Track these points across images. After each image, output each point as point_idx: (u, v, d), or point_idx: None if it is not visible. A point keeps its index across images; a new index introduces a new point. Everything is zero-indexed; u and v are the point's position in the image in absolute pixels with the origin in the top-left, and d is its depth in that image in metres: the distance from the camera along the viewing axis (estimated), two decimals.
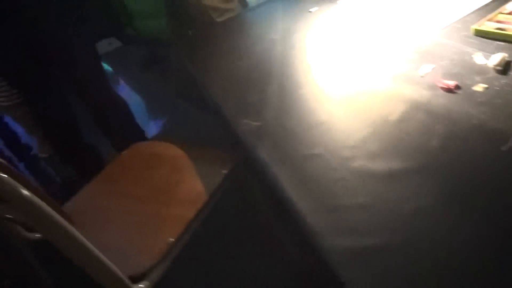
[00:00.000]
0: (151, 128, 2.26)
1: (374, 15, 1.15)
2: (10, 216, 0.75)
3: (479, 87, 0.74)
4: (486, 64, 0.79)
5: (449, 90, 0.75)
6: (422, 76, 0.82)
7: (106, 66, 2.30)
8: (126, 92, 2.59)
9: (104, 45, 2.54)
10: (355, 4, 1.26)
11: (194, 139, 1.72)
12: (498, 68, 0.77)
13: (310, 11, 1.33)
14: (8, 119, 2.51)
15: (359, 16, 1.18)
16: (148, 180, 1.00)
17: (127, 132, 1.72)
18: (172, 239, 0.79)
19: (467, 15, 0.98)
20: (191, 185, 0.92)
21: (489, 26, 0.88)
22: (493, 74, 0.77)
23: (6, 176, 0.58)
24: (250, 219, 1.25)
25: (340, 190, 0.65)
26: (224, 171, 0.92)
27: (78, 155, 1.78)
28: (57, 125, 1.63)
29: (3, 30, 1.32)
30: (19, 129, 2.50)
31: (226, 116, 0.95)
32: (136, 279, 0.75)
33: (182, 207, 0.86)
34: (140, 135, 1.78)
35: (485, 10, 0.97)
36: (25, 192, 0.58)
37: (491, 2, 1.00)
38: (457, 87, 0.76)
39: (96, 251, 0.69)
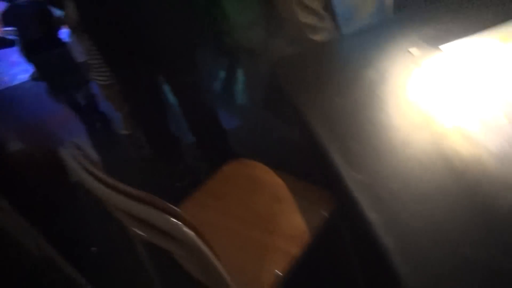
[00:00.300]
0: None
1: (485, 75, 1.12)
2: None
3: None
4: None
5: None
6: None
7: None
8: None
9: None
10: (463, 56, 1.23)
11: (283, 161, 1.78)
12: None
13: (409, 52, 1.33)
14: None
15: (468, 72, 1.15)
16: (249, 203, 1.11)
17: (212, 132, 1.84)
18: (280, 274, 0.91)
19: None
20: (292, 220, 1.02)
21: None
22: None
23: (179, 222, 0.70)
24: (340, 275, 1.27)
25: (446, 277, 0.71)
26: (325, 214, 1.02)
27: (159, 140, 1.94)
28: (145, 108, 1.79)
29: (113, 17, 1.44)
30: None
31: (333, 161, 0.99)
32: None
33: (286, 242, 0.97)
34: (223, 138, 1.89)
35: None
36: (191, 234, 0.71)
37: None
38: None
39: (225, 273, 0.81)
